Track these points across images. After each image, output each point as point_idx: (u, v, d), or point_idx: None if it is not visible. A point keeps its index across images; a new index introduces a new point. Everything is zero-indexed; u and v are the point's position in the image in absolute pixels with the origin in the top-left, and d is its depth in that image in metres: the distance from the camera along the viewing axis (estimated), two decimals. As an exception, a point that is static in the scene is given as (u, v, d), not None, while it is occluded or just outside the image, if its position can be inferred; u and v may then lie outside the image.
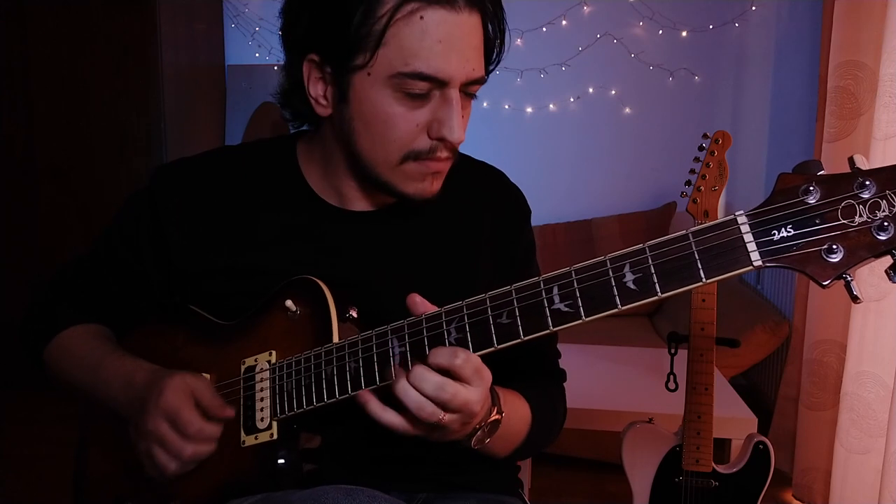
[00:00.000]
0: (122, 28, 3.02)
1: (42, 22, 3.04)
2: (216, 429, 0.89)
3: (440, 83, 0.84)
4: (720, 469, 1.55)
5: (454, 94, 0.85)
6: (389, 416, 0.80)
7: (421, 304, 0.80)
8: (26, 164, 3.13)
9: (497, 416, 0.86)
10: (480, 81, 0.89)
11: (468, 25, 0.84)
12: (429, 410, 0.77)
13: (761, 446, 1.55)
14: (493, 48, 0.91)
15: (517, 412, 0.95)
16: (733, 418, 1.73)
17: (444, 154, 0.89)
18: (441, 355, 0.77)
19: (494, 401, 0.86)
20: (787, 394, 2.45)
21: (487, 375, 0.79)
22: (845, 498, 1.99)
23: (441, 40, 0.82)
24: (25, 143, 3.13)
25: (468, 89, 0.88)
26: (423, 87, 0.84)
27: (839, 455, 2.01)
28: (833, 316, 2.14)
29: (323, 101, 0.90)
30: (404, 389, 0.77)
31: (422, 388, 0.76)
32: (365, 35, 0.82)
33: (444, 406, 0.77)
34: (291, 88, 0.92)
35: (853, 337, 1.97)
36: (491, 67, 0.94)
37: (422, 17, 0.81)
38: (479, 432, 0.84)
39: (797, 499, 2.30)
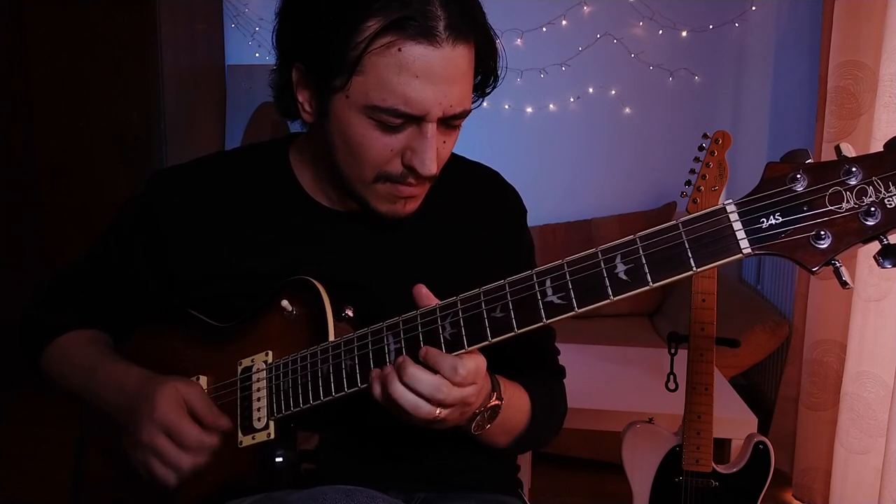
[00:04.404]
0: (122, 28, 3.01)
1: (42, 22, 3.03)
2: (214, 439, 0.88)
3: (416, 119, 0.82)
4: (720, 469, 1.54)
5: (430, 128, 0.83)
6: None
7: (426, 297, 0.80)
8: (26, 164, 3.13)
9: (497, 402, 0.86)
10: (463, 115, 0.86)
11: (449, 60, 0.80)
12: (426, 410, 0.77)
13: (761, 446, 1.55)
14: (482, 79, 0.89)
15: (517, 401, 0.95)
16: (733, 418, 1.73)
17: (415, 181, 0.87)
18: (443, 366, 0.76)
19: (494, 386, 0.86)
20: (787, 394, 2.44)
21: (483, 365, 0.79)
22: (845, 498, 1.98)
23: (418, 76, 0.79)
24: (25, 143, 3.12)
25: (450, 122, 0.86)
26: (397, 121, 0.82)
27: (839, 455, 2.01)
28: (833, 316, 2.14)
29: (308, 109, 0.90)
30: (401, 392, 0.77)
31: (417, 389, 0.76)
32: (343, 60, 0.81)
33: (440, 404, 0.77)
34: (282, 88, 0.91)
35: (853, 337, 1.97)
36: (487, 91, 0.91)
37: (399, 50, 0.79)
38: (478, 417, 0.85)
39: (797, 499, 2.29)
